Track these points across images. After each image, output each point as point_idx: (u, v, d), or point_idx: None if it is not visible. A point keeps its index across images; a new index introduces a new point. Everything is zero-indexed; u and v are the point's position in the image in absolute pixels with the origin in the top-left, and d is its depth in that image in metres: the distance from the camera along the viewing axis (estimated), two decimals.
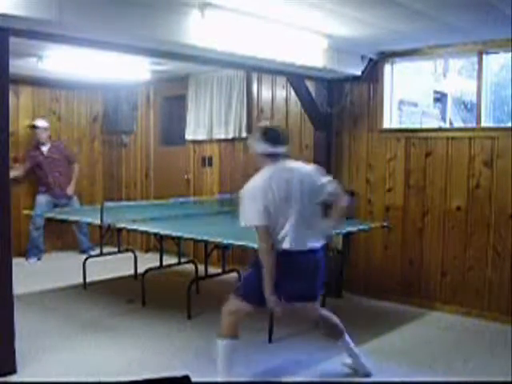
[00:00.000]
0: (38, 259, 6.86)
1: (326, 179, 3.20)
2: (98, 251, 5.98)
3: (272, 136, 3.12)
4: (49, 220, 6.54)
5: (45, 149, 6.90)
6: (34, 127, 6.84)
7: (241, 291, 3.21)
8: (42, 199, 6.84)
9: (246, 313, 3.23)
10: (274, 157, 3.12)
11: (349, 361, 3.50)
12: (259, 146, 3.13)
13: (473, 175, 4.66)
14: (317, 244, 3.15)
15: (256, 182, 3.06)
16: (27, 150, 6.92)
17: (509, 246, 4.49)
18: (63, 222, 6.66)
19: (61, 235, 7.36)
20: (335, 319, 3.44)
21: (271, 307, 3.09)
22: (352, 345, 3.45)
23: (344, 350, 3.47)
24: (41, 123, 6.87)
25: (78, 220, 5.77)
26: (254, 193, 3.02)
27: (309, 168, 3.25)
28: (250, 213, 2.99)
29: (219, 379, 3.18)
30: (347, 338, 3.43)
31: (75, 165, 7.14)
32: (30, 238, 6.85)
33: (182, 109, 6.95)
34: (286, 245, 3.03)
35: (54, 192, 6.89)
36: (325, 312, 3.47)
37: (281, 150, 3.14)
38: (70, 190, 6.98)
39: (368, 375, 3.44)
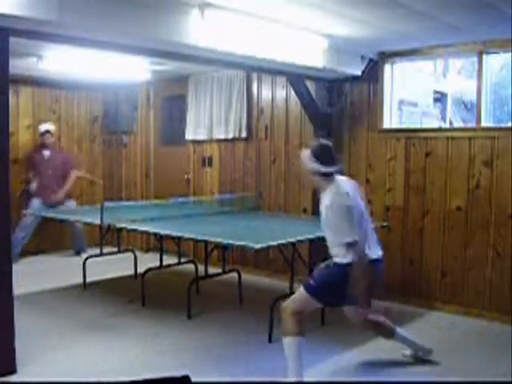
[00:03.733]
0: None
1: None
2: (97, 251, 5.97)
3: (325, 157, 3.25)
4: (44, 220, 6.53)
5: (47, 153, 6.87)
6: (47, 132, 6.81)
7: (313, 291, 3.26)
8: (35, 202, 6.71)
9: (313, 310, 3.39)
10: (331, 175, 3.26)
11: (407, 352, 3.70)
12: (319, 167, 3.23)
13: (473, 175, 4.66)
14: (380, 252, 3.39)
15: (342, 199, 3.16)
16: (28, 156, 6.86)
17: (509, 245, 4.49)
18: (62, 222, 6.69)
19: (55, 236, 7.30)
20: (382, 319, 3.60)
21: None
22: (405, 334, 3.67)
23: (400, 342, 3.66)
24: (51, 128, 6.90)
25: (75, 221, 5.73)
26: (346, 209, 3.14)
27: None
28: (350, 229, 3.10)
29: (291, 379, 3.20)
30: (398, 330, 3.63)
31: (73, 171, 7.04)
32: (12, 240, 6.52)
33: (182, 109, 6.95)
34: (370, 253, 3.22)
35: (43, 196, 6.75)
36: (372, 315, 3.51)
37: (337, 168, 3.30)
38: (59, 196, 6.81)
39: (430, 352, 3.69)
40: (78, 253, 7.04)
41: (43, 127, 6.86)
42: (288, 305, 3.29)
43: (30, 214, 6.41)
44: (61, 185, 6.90)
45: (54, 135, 6.97)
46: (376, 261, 3.27)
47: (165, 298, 5.22)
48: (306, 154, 3.29)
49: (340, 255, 3.21)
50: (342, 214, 3.13)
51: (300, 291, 3.32)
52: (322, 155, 3.24)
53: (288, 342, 3.22)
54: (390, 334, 3.64)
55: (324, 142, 3.43)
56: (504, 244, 4.52)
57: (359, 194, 3.36)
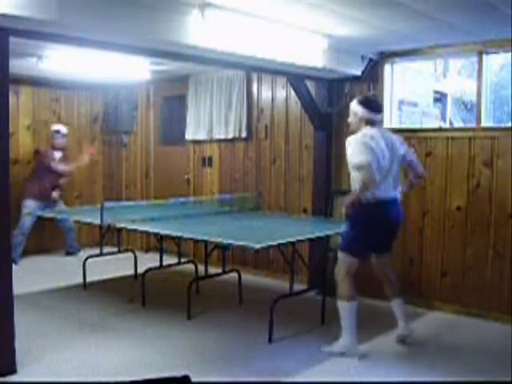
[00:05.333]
0: (15, 263, 6.17)
1: (405, 148, 3.89)
2: (97, 251, 5.97)
3: (374, 105, 3.80)
4: (44, 221, 6.50)
5: (58, 155, 6.78)
6: (56, 132, 6.75)
7: (345, 247, 3.74)
8: (31, 203, 6.59)
9: (356, 269, 3.73)
10: (372, 123, 3.74)
11: (401, 331, 3.96)
12: (362, 112, 3.75)
13: (473, 175, 4.66)
14: (398, 195, 3.82)
15: (364, 138, 3.61)
16: (44, 151, 6.75)
17: (509, 245, 4.48)
18: (60, 221, 6.69)
19: (54, 236, 7.25)
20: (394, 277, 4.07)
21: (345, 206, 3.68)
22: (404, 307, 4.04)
23: (397, 310, 3.99)
24: (63, 129, 6.83)
25: (68, 221, 5.71)
26: (362, 143, 3.58)
27: (395, 137, 3.86)
28: (361, 154, 3.53)
29: (347, 340, 3.66)
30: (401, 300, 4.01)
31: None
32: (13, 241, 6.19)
33: (182, 109, 6.95)
34: (380, 193, 3.62)
35: (42, 196, 6.67)
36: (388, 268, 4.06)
37: (379, 117, 3.83)
38: (55, 194, 6.78)
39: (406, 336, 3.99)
40: (71, 253, 7.02)
41: (54, 127, 6.80)
42: (336, 272, 3.75)
43: (27, 214, 6.40)
44: (55, 187, 6.79)
45: (65, 136, 6.85)
46: (384, 201, 3.63)
47: (165, 298, 5.22)
48: (354, 102, 3.82)
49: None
50: (359, 148, 3.56)
51: (338, 255, 3.76)
52: (369, 103, 3.78)
53: (342, 305, 3.67)
54: (397, 294, 4.03)
55: (370, 94, 4.06)
56: (504, 244, 4.52)
57: (399, 142, 3.82)
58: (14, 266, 6.39)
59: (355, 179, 3.66)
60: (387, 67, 5.17)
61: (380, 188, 3.61)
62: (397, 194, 3.80)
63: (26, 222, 6.53)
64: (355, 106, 3.80)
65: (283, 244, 4.01)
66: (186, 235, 4.30)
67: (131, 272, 5.84)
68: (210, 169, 6.69)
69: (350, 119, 3.87)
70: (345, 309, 3.66)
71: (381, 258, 4.01)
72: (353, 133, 3.79)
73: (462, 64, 5.64)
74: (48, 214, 5.92)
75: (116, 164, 7.80)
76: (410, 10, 3.59)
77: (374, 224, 3.70)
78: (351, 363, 3.65)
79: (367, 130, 3.70)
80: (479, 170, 4.62)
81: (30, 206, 6.57)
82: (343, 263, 3.73)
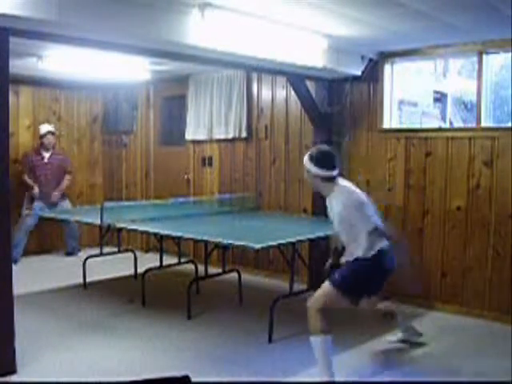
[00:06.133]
0: (15, 262, 6.20)
1: None
2: (97, 251, 5.97)
3: (328, 161, 3.39)
4: (44, 221, 6.51)
5: (47, 155, 6.80)
6: (49, 133, 6.74)
7: (339, 283, 3.32)
8: (37, 204, 6.64)
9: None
10: (330, 179, 3.39)
11: (400, 335, 3.99)
12: (315, 170, 3.38)
13: (473, 175, 4.66)
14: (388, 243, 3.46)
15: (354, 196, 3.36)
16: (27, 158, 6.75)
17: (509, 245, 4.49)
18: (61, 222, 6.68)
19: (55, 236, 7.28)
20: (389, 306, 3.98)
21: None
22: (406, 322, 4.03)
23: (401, 325, 3.99)
24: (53, 129, 6.85)
25: (71, 222, 5.69)
26: (360, 204, 3.34)
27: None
28: (369, 218, 3.32)
29: (324, 379, 3.22)
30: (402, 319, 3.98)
31: (68, 175, 7.00)
32: (14, 240, 6.21)
33: (182, 109, 6.95)
34: (377, 246, 3.32)
35: (45, 198, 6.70)
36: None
37: (334, 173, 3.40)
38: (54, 197, 6.78)
39: (421, 334, 4.00)
40: (70, 254, 7.02)
41: (44, 128, 6.80)
42: (313, 303, 3.32)
43: (28, 214, 6.40)
44: (55, 186, 6.84)
45: (56, 136, 6.94)
46: (377, 254, 3.32)
47: (165, 298, 5.22)
48: (306, 159, 3.42)
49: (360, 250, 3.29)
50: (357, 210, 3.31)
51: (324, 287, 3.36)
52: (323, 160, 3.37)
53: (316, 341, 3.24)
54: (393, 317, 3.95)
55: (323, 147, 3.60)
56: (504, 244, 4.52)
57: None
58: (13, 265, 6.52)
59: (352, 238, 3.34)
60: (387, 67, 5.17)
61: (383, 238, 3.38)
62: (383, 244, 3.45)
63: (28, 221, 6.55)
64: (308, 164, 3.41)
65: (283, 244, 4.02)
66: (186, 235, 4.30)
67: (131, 272, 5.84)
68: (209, 169, 6.69)
69: (306, 176, 3.52)
70: (318, 343, 3.23)
71: (371, 300, 3.70)
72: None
73: (462, 64, 5.63)
74: (48, 214, 5.91)
75: (116, 164, 7.80)
76: (410, 9, 3.60)
77: (379, 274, 3.41)
78: (351, 363, 3.65)
79: (342, 184, 3.43)
80: (479, 170, 4.62)
81: (36, 207, 6.59)
82: (325, 298, 3.32)
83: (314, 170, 3.37)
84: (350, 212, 3.29)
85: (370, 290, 3.48)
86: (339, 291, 3.31)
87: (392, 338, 4.03)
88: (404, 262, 3.44)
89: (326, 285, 3.35)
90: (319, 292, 3.37)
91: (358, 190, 3.42)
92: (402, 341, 4.00)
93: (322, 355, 3.22)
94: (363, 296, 3.56)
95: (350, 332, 4.17)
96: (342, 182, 3.45)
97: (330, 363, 3.22)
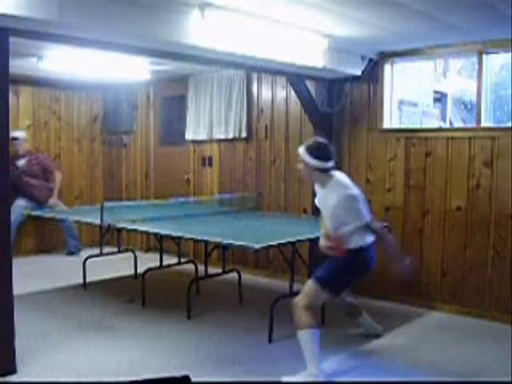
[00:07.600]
0: None
1: None
2: (97, 251, 5.97)
3: (324, 153, 3.40)
4: (35, 220, 6.49)
5: (21, 162, 6.62)
6: (14, 139, 6.36)
7: (322, 280, 3.39)
8: (19, 203, 6.55)
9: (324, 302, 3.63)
10: (326, 170, 3.40)
11: (360, 329, 4.11)
12: (312, 162, 3.37)
13: (473, 175, 4.66)
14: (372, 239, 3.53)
15: (347, 190, 3.37)
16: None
17: (509, 245, 4.49)
18: (62, 221, 6.68)
19: (54, 236, 7.27)
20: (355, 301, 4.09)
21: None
22: (368, 317, 4.12)
23: (363, 323, 4.09)
24: (21, 134, 6.64)
25: (69, 221, 5.63)
26: (354, 198, 3.36)
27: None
28: (360, 213, 3.37)
29: (312, 370, 3.28)
30: (365, 314, 4.09)
31: (56, 173, 6.86)
32: None
33: (182, 109, 6.95)
34: (363, 241, 3.42)
35: (29, 195, 6.64)
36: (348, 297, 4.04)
37: (329, 164, 3.41)
38: (52, 201, 6.73)
39: (380, 334, 4.11)
40: (71, 253, 7.01)
41: (10, 134, 6.67)
42: (299, 300, 3.38)
43: (26, 214, 6.36)
44: (44, 190, 6.74)
45: (26, 140, 6.72)
46: (361, 248, 3.41)
47: (165, 298, 5.22)
48: (302, 150, 3.42)
49: (347, 242, 3.37)
50: (350, 203, 3.33)
51: (309, 284, 3.43)
52: (319, 151, 3.39)
53: (302, 334, 3.30)
54: (358, 314, 4.08)
55: (319, 139, 3.59)
56: (504, 244, 4.52)
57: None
58: None
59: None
60: (387, 67, 5.17)
61: (364, 237, 3.43)
62: (368, 239, 3.53)
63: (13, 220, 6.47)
64: (303, 154, 3.40)
65: (283, 244, 4.02)
66: (186, 235, 4.30)
67: (131, 272, 5.85)
68: (209, 169, 6.69)
69: (299, 167, 3.51)
70: (304, 337, 3.29)
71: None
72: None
73: (462, 64, 5.64)
74: (48, 214, 5.91)
75: (116, 164, 7.80)
76: (410, 10, 3.59)
77: (362, 269, 3.51)
78: (351, 363, 3.65)
79: (338, 176, 3.45)
80: (479, 170, 4.62)
81: (18, 205, 6.47)
82: (311, 296, 3.38)
83: (310, 160, 3.37)
84: (343, 206, 3.33)
85: (349, 284, 3.62)
86: (324, 288, 3.39)
87: (353, 331, 4.15)
88: (392, 251, 3.46)
89: (312, 282, 3.42)
90: (305, 290, 3.43)
91: (351, 184, 3.45)
92: (362, 334, 4.11)
93: (308, 346, 3.29)
94: (345, 290, 3.70)
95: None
96: (337, 174, 3.48)
97: (317, 354, 3.30)
